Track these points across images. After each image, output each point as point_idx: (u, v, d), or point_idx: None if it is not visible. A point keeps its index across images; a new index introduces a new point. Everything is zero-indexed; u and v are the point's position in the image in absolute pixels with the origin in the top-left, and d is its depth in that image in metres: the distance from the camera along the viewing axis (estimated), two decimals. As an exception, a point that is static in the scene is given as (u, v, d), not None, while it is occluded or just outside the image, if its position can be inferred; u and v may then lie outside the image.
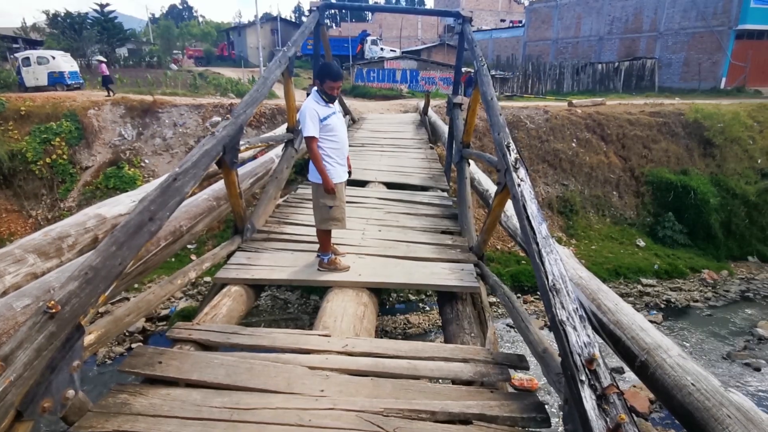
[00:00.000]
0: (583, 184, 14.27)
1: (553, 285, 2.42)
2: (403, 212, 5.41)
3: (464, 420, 2.25)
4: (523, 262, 11.97)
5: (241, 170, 5.61)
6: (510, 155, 3.58)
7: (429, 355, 2.71)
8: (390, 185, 6.79)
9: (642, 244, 13.44)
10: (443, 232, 4.92)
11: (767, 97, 20.31)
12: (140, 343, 8.89)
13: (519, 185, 3.28)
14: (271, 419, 2.13)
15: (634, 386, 8.27)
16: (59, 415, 2.00)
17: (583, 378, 1.98)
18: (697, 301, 11.56)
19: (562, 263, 2.61)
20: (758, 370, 8.93)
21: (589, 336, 2.15)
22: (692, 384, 2.43)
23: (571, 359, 2.05)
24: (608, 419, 1.84)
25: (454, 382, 2.56)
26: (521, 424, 2.23)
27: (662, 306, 11.24)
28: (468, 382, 2.55)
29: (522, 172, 3.45)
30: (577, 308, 2.30)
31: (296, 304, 10.55)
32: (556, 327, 2.23)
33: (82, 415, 2.10)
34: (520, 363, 2.74)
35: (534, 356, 2.65)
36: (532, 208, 3.05)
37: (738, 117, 15.29)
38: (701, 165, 14.77)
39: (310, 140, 3.53)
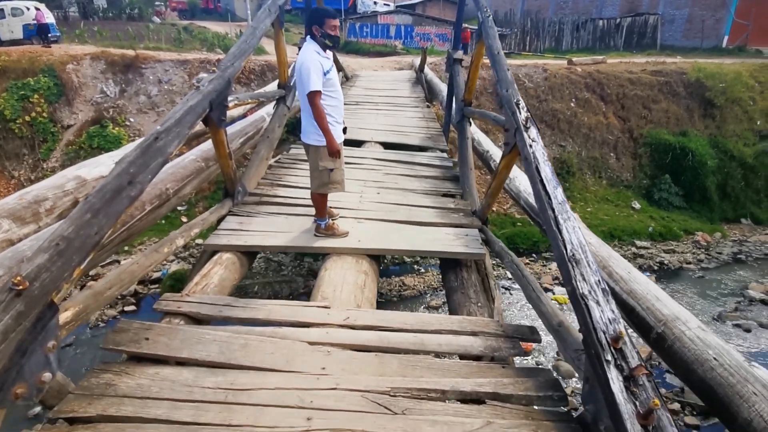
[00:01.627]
0: (580, 146, 14.03)
1: (573, 255, 2.24)
2: (403, 174, 5.17)
3: (476, 399, 2.10)
4: (518, 224, 11.88)
5: (229, 129, 5.29)
6: (520, 113, 3.33)
7: (436, 328, 2.55)
8: (387, 145, 6.50)
9: (637, 206, 13.38)
10: (444, 195, 4.70)
11: (768, 56, 19.88)
12: (124, 314, 8.76)
13: (531, 146, 3.04)
14: (269, 401, 1.97)
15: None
16: (36, 400, 1.82)
17: (609, 358, 1.82)
18: (689, 263, 11.61)
19: (580, 231, 2.42)
20: (748, 331, 9.05)
21: (613, 311, 1.99)
22: (714, 358, 2.30)
23: (594, 337, 1.89)
24: (637, 403, 1.69)
25: (462, 357, 2.41)
26: (537, 403, 2.09)
27: (655, 268, 11.28)
28: (477, 357, 2.40)
29: (533, 131, 3.21)
30: (599, 280, 2.12)
31: (290, 266, 10.43)
32: (576, 301, 2.06)
33: (62, 398, 1.92)
34: (531, 335, 2.59)
35: (548, 330, 2.51)
36: (546, 171, 2.83)
37: (740, 77, 14.95)
38: (701, 126, 14.54)
39: (315, 96, 3.19)
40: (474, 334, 2.55)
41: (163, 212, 3.86)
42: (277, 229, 3.62)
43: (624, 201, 13.46)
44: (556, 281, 10.03)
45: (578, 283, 2.10)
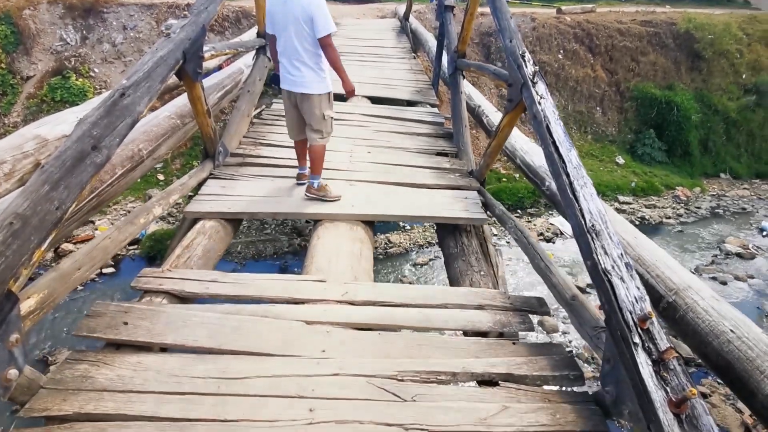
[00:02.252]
0: (567, 99, 13.77)
1: (592, 226, 2.06)
2: (393, 131, 4.88)
3: (489, 380, 1.98)
4: (503, 179, 11.77)
5: (205, 83, 4.87)
6: (527, 67, 3.06)
7: (441, 302, 2.40)
8: (375, 99, 6.15)
9: (621, 161, 13.37)
10: (439, 154, 4.47)
11: (756, 7, 19.58)
12: (103, 276, 8.43)
13: (540, 103, 2.81)
14: (266, 390, 1.79)
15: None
16: (4, 398, 1.60)
17: (637, 340, 1.68)
18: (669, 217, 11.77)
19: (598, 198, 2.24)
20: (725, 284, 9.31)
21: (639, 288, 1.84)
22: (731, 330, 2.20)
23: (620, 317, 1.75)
24: (668, 389, 1.57)
25: (469, 333, 2.27)
26: (553, 383, 1.98)
27: (637, 223, 11.39)
28: (486, 333, 2.27)
29: (542, 87, 2.96)
30: (622, 254, 1.96)
31: (273, 224, 10.18)
32: (598, 277, 1.90)
33: (33, 393, 1.71)
34: (540, 308, 2.46)
35: (559, 303, 2.37)
36: (558, 131, 2.62)
37: (729, 28, 14.69)
38: (687, 80, 14.40)
39: (329, 38, 3.06)
40: (481, 307, 2.40)
41: (137, 175, 3.53)
42: (263, 193, 3.36)
43: (608, 156, 13.42)
44: (540, 237, 10.07)
45: (599, 257, 1.94)
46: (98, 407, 1.67)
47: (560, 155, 2.45)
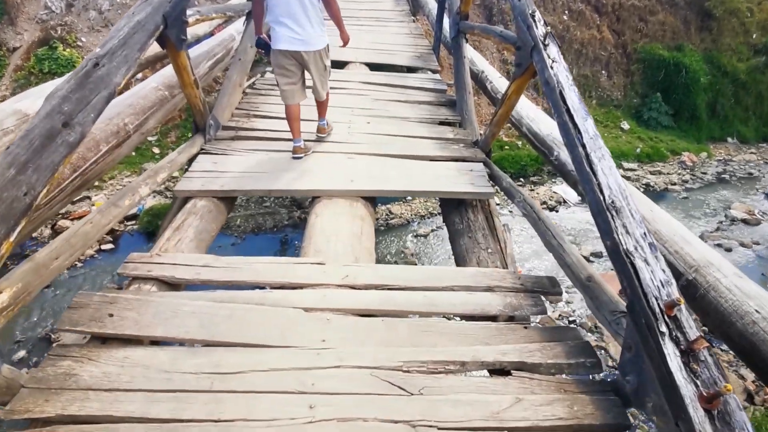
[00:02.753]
0: (571, 63, 13.33)
1: (612, 203, 1.90)
2: (394, 99, 4.65)
3: (500, 370, 1.86)
4: (506, 147, 11.51)
5: (194, 51, 4.60)
6: (537, 28, 2.83)
7: (447, 285, 2.26)
8: (373, 66, 5.87)
9: (626, 127, 13.07)
10: (441, 124, 4.25)
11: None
12: (101, 253, 8.32)
13: (552, 67, 2.59)
14: (263, 386, 1.67)
15: (612, 269, 8.46)
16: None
17: (664, 329, 1.55)
18: (674, 184, 11.58)
19: (617, 171, 2.07)
20: (729, 250, 9.21)
21: (665, 271, 1.69)
22: (756, 311, 2.07)
23: (645, 303, 1.61)
24: (699, 383, 1.45)
25: (478, 318, 2.14)
26: (568, 372, 1.86)
27: (641, 190, 11.21)
28: (495, 317, 2.14)
29: (554, 49, 2.75)
30: (645, 233, 1.81)
31: (272, 197, 10.02)
32: (619, 259, 1.76)
33: (14, 393, 1.59)
34: (552, 288, 2.32)
35: (573, 284, 2.23)
36: (573, 98, 2.42)
37: (741, -15, 14.10)
38: (696, 40, 13.91)
39: None
40: (490, 289, 2.26)
41: (124, 152, 3.35)
42: (258, 168, 3.18)
43: (613, 122, 13.10)
44: (544, 206, 9.92)
45: (621, 236, 1.78)
46: (83, 408, 1.55)
47: (575, 124, 2.26)
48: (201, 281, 2.19)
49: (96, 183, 9.87)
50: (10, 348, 5.78)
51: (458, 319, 2.15)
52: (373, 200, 3.11)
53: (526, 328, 2.07)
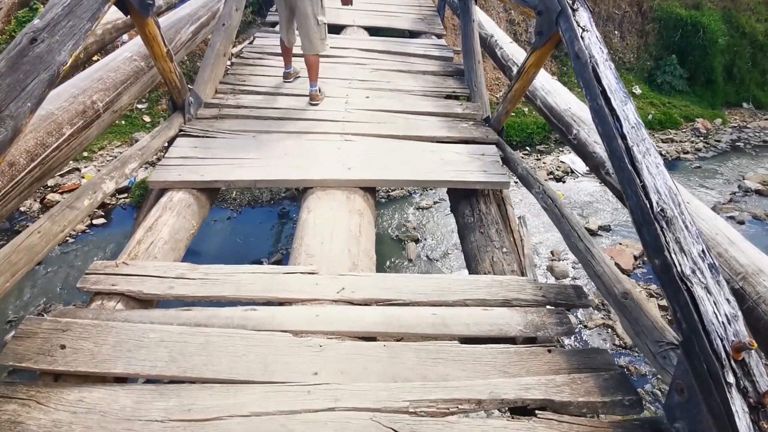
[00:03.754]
0: (583, 23, 12.62)
1: (661, 211, 1.57)
2: (395, 69, 4.23)
3: (522, 408, 1.58)
4: (512, 114, 11.03)
5: (175, 14, 4.15)
6: (564, -11, 2.41)
7: (459, 299, 1.96)
8: (372, 31, 5.39)
9: (638, 91, 12.50)
10: (448, 97, 3.86)
11: None
12: (93, 228, 8.03)
13: (583, 38, 2.20)
14: (242, 437, 1.40)
15: (620, 243, 8.17)
16: None
17: (731, 378, 1.26)
18: (687, 152, 11.15)
19: (665, 170, 1.73)
20: (742, 223, 8.90)
21: (729, 302, 1.39)
22: (819, 331, 1.78)
23: (706, 343, 1.31)
24: (773, 449, 1.17)
25: (494, 340, 1.84)
26: (603, 411, 1.58)
27: (652, 159, 10.81)
28: (513, 339, 1.85)
29: (584, 15, 2.35)
30: (704, 251, 1.49)
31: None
32: (672, 284, 1.44)
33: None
34: (579, 301, 2.03)
35: (605, 299, 1.93)
36: (609, 76, 2.05)
37: (766, -64, 13.19)
38: (716, -2, 13.15)
39: None
40: (507, 303, 1.97)
41: (94, 134, 2.98)
42: (244, 154, 2.83)
43: (625, 86, 12.53)
44: (551, 176, 9.56)
45: (674, 256, 1.46)
46: (25, 470, 1.29)
47: (612, 110, 1.90)
48: (174, 297, 1.89)
49: (85, 154, 9.50)
50: (2, 328, 5.62)
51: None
52: (372, 190, 2.78)
53: (549, 351, 1.78)
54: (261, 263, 5.35)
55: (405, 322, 1.82)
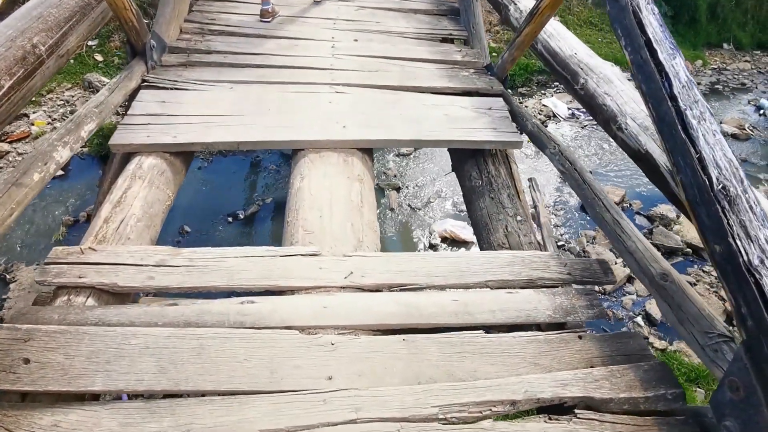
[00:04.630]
0: (568, -46, 11.94)
1: (723, 188, 1.37)
2: (383, 7, 3.78)
3: (559, 406, 1.44)
4: (493, 54, 10.56)
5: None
6: None
7: (479, 280, 1.76)
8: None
9: (621, 30, 12.16)
10: (444, 40, 3.49)
11: None
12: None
13: (618, -24, 1.90)
14: (251, 463, 1.21)
15: (613, 184, 8.16)
16: None
17: (809, 388, 1.12)
18: (666, 95, 11.08)
19: (723, 139, 1.52)
20: (717, 168, 9.03)
21: (804, 298, 1.23)
22: None
23: (779, 346, 1.17)
24: None
25: (517, 326, 1.67)
26: (645, 406, 1.46)
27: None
28: (539, 325, 1.69)
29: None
30: (773, 236, 1.31)
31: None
32: (735, 274, 1.28)
33: None
34: (605, 277, 1.87)
35: (641, 281, 1.77)
36: (653, 23, 1.78)
37: None
38: (705, -71, 12.59)
39: None
40: (532, 283, 1.79)
41: (38, 84, 2.54)
42: (222, 109, 2.46)
43: (608, 24, 12.12)
44: (548, 119, 9.33)
45: (740, 242, 1.28)
46: None
47: (659, 65, 1.65)
48: (155, 289, 1.62)
49: (32, 98, 8.63)
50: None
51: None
52: (370, 151, 2.49)
53: (580, 338, 1.63)
54: (237, 216, 5.07)
55: (425, 311, 1.62)
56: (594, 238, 5.96)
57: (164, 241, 2.57)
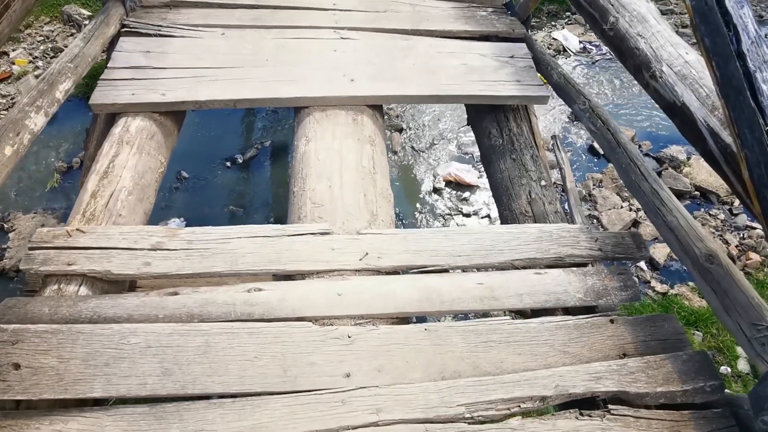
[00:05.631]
0: None
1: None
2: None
3: (591, 400, 1.36)
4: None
5: None
6: None
7: (505, 259, 1.62)
8: None
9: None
10: (457, -25, 3.11)
11: None
12: None
13: None
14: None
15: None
16: None
17: None
18: (686, 27, 10.43)
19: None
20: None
21: None
22: None
23: None
24: None
25: (546, 310, 1.56)
26: (682, 400, 1.37)
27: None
28: (566, 309, 1.57)
29: None
30: None
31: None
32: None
33: None
34: (639, 252, 1.73)
35: (682, 262, 1.62)
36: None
37: None
38: None
39: None
40: (560, 261, 1.65)
41: (6, 32, 2.26)
42: (215, 60, 2.19)
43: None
44: (557, 53, 8.80)
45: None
46: None
47: (726, 14, 1.41)
48: (152, 276, 1.48)
49: (11, 35, 8.04)
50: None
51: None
52: (380, 107, 2.25)
53: (612, 322, 1.53)
54: (235, 160, 4.87)
55: (447, 297, 1.50)
56: (600, 181, 5.77)
57: (162, 187, 2.31)
